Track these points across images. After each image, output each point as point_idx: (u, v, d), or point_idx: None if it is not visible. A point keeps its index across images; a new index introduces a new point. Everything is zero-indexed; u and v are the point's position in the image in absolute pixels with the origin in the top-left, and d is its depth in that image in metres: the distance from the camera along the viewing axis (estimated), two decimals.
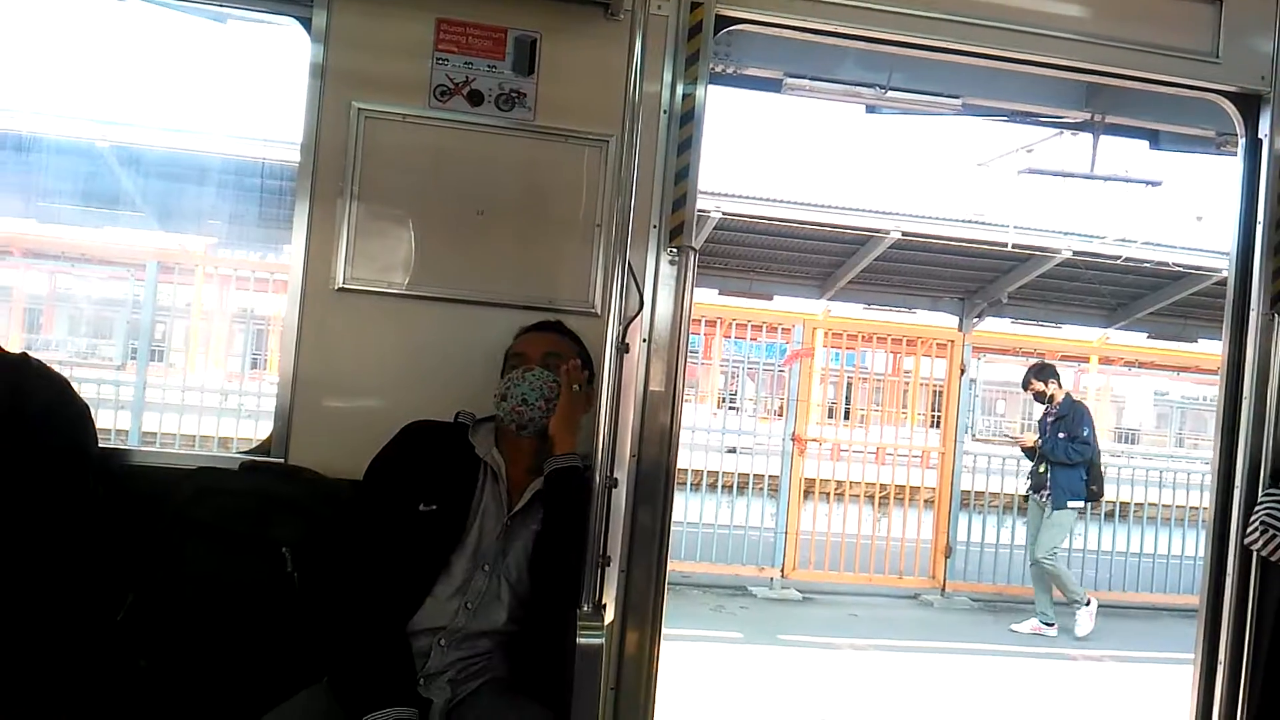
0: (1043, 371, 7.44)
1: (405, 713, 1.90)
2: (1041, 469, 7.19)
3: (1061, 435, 7.09)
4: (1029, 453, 7.39)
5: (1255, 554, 2.79)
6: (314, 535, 2.18)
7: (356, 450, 2.25)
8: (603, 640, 1.94)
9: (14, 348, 2.22)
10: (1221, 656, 2.89)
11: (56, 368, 2.29)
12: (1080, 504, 7.21)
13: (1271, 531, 2.68)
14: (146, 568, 2.13)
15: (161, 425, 8.67)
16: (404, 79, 2.55)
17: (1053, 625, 7.12)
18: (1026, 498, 7.53)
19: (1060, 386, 7.37)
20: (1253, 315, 2.92)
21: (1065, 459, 7.04)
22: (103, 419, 7.86)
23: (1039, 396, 7.34)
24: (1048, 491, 7.10)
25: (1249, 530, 2.76)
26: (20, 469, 2.05)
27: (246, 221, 8.78)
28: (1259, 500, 2.78)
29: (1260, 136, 2.95)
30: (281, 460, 2.48)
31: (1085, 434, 7.08)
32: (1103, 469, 7.51)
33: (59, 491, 2.10)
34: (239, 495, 2.23)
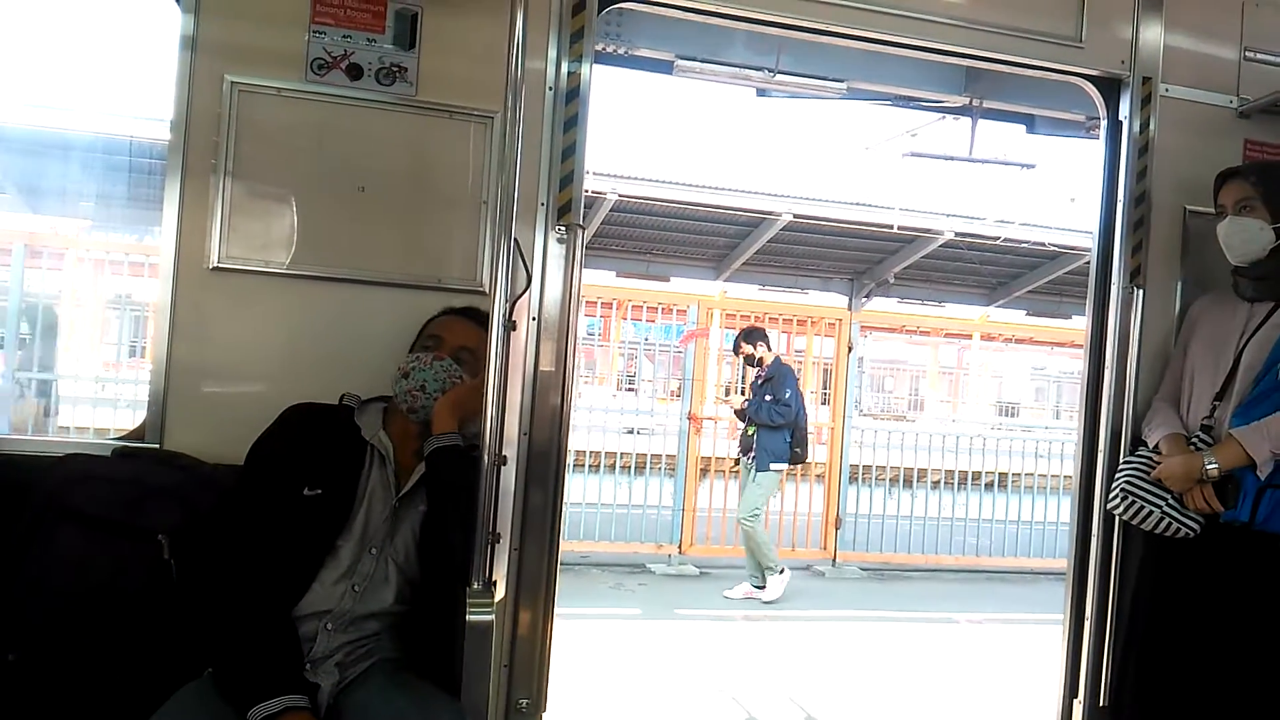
0: (751, 335, 7.41)
1: (294, 700, 1.85)
2: (750, 431, 7.22)
3: (767, 398, 7.12)
4: (740, 415, 7.39)
5: (1117, 518, 2.94)
6: (193, 523, 2.11)
7: (236, 436, 2.17)
8: (493, 617, 1.94)
9: None
10: (1088, 613, 3.04)
11: None
12: (783, 466, 7.21)
13: (1131, 498, 2.81)
14: (14, 559, 2.02)
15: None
16: (279, 52, 2.46)
17: (764, 587, 7.07)
18: (737, 461, 7.56)
19: (769, 350, 7.38)
20: (1114, 289, 3.07)
21: (768, 421, 7.05)
22: None
23: (749, 360, 7.34)
24: (753, 454, 7.15)
25: (1111, 496, 2.89)
26: None
27: (120, 202, 8.37)
28: (1119, 467, 2.91)
29: (1120, 119, 3.11)
30: (157, 446, 2.39)
31: (787, 396, 7.07)
32: (809, 432, 7.48)
33: None
34: (113, 482, 2.13)
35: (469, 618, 1.92)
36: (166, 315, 2.42)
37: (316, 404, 2.21)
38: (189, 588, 2.02)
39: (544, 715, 2.59)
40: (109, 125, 8.03)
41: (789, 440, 7.11)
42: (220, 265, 2.43)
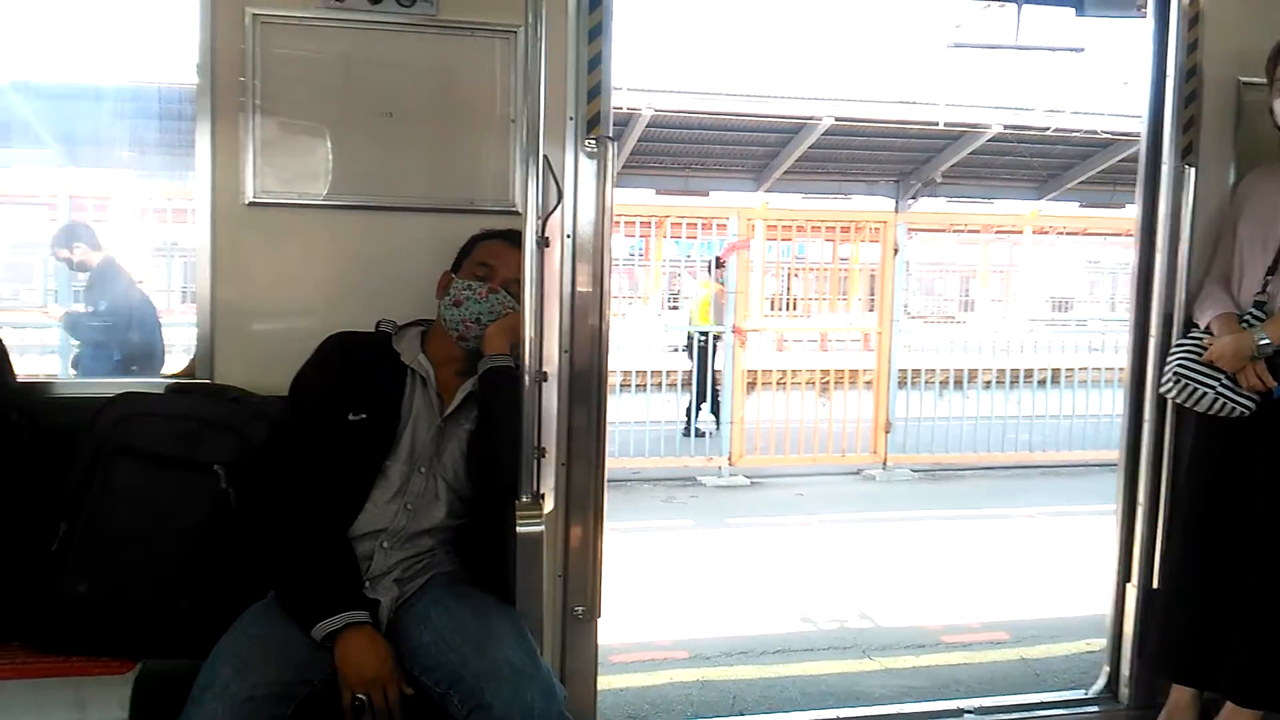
0: (70, 234, 5.62)
1: (356, 615, 1.93)
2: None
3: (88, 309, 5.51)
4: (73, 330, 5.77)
5: (1170, 403, 2.90)
6: (246, 453, 2.17)
7: (283, 367, 2.21)
8: (542, 528, 1.99)
9: None
10: (1140, 499, 3.04)
11: None
12: None
13: (1184, 380, 2.77)
14: (76, 497, 2.10)
15: None
16: None
17: None
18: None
19: (98, 249, 5.54)
20: (1164, 169, 2.97)
21: (91, 339, 5.49)
22: (29, 365, 7.67)
23: (71, 265, 5.61)
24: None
25: (1163, 380, 2.85)
26: None
27: (156, 148, 8.45)
28: (1171, 351, 2.87)
29: None
30: (208, 381, 2.46)
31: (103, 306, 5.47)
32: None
33: None
34: (167, 418, 2.19)
35: (519, 529, 1.96)
36: (207, 254, 2.46)
37: (353, 332, 2.24)
38: (248, 515, 2.09)
39: (599, 621, 2.67)
40: (139, 73, 8.05)
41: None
42: (255, 200, 2.46)
